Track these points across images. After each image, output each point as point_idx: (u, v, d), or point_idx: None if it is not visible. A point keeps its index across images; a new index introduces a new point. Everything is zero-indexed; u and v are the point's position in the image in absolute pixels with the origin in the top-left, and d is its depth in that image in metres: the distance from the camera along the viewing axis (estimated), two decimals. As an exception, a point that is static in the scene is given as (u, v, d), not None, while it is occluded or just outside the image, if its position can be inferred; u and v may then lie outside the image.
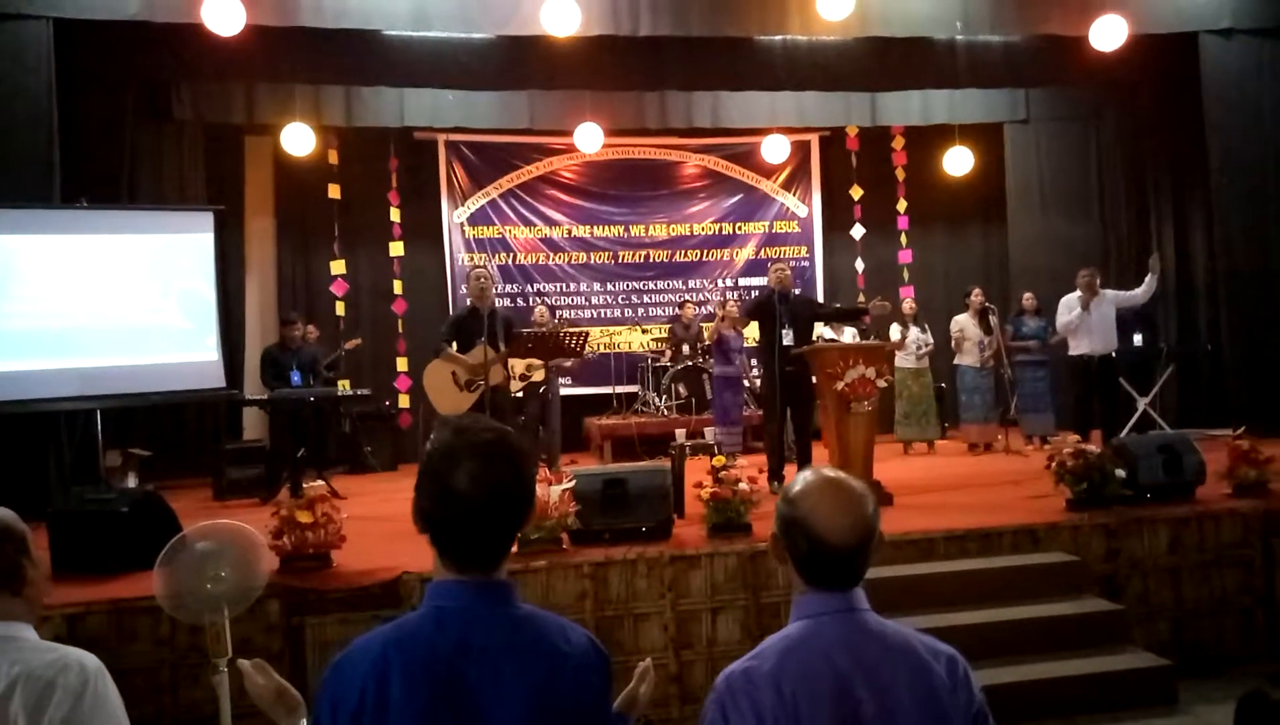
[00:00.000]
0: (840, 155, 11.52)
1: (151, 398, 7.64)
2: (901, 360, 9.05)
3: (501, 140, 10.75)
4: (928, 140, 10.87)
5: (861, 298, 10.89)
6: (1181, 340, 9.76)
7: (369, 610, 4.41)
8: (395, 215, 10.51)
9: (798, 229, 11.63)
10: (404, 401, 10.29)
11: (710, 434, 8.98)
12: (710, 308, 10.60)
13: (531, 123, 9.52)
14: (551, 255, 11.15)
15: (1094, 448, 5.58)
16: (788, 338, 6.54)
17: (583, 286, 11.21)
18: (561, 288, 11.15)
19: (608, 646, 1.55)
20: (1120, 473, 5.43)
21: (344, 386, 9.01)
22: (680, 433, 9.06)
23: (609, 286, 11.26)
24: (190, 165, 9.26)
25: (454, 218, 10.89)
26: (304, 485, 6.72)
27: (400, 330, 10.47)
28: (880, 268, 11.53)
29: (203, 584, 3.20)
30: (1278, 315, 8.55)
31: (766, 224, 11.57)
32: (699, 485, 5.16)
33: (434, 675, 1.39)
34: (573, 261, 11.20)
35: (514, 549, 1.53)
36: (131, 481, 7.72)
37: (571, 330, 6.77)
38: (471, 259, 10.70)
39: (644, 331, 11.11)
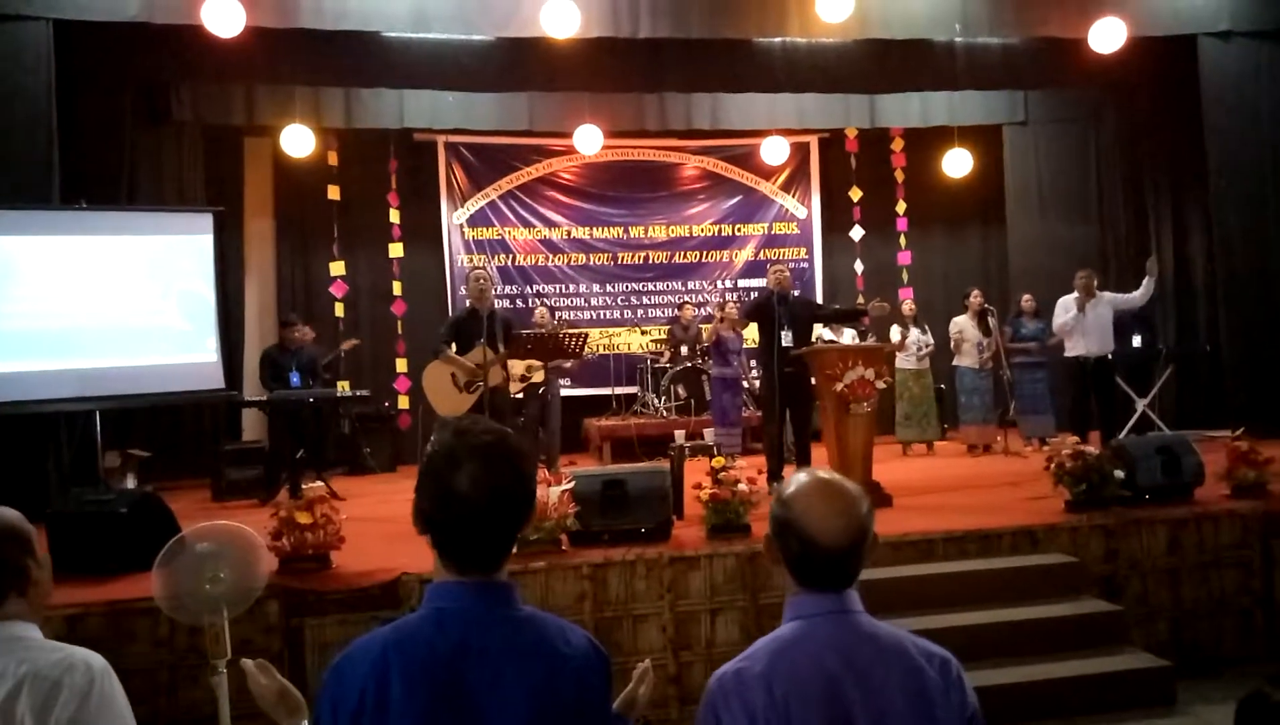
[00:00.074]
0: (839, 157, 11.53)
1: (150, 399, 7.64)
2: (902, 361, 9.07)
3: (501, 142, 10.75)
4: (927, 142, 10.89)
5: (860, 299, 10.90)
6: (1180, 341, 9.77)
7: (368, 611, 4.41)
8: (395, 216, 10.51)
9: (797, 230, 11.64)
10: (403, 403, 10.28)
11: (709, 435, 8.99)
12: (709, 309, 10.60)
13: (531, 124, 9.53)
14: (551, 256, 11.15)
15: (1093, 449, 5.58)
16: (787, 339, 6.54)
17: (582, 288, 11.22)
18: (561, 289, 11.15)
19: (607, 648, 1.55)
20: (1119, 474, 5.44)
21: (343, 388, 9.00)
22: (679, 434, 9.10)
23: (608, 288, 11.26)
24: (190, 166, 9.26)
25: (453, 219, 10.89)
26: (303, 486, 6.73)
27: (399, 331, 10.47)
28: (879, 269, 11.54)
29: (201, 585, 3.20)
30: (1276, 316, 8.57)
31: (766, 225, 11.58)
32: (698, 486, 5.16)
33: (434, 677, 1.39)
34: (572, 263, 11.21)
35: (514, 550, 1.53)
36: (130, 482, 7.71)
37: (570, 331, 6.77)
38: (471, 260, 10.70)
39: (643, 333, 11.11)
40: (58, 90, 7.09)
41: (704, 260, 11.47)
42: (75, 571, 4.63)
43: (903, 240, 11.54)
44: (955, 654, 1.64)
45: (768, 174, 11.43)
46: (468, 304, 6.92)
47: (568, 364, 8.23)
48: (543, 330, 7.77)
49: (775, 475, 6.44)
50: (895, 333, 9.26)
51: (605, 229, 11.27)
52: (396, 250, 10.51)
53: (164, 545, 3.24)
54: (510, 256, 11.03)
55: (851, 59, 8.71)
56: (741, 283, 11.39)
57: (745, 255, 11.50)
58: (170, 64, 8.02)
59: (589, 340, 7.57)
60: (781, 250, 11.51)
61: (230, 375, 8.06)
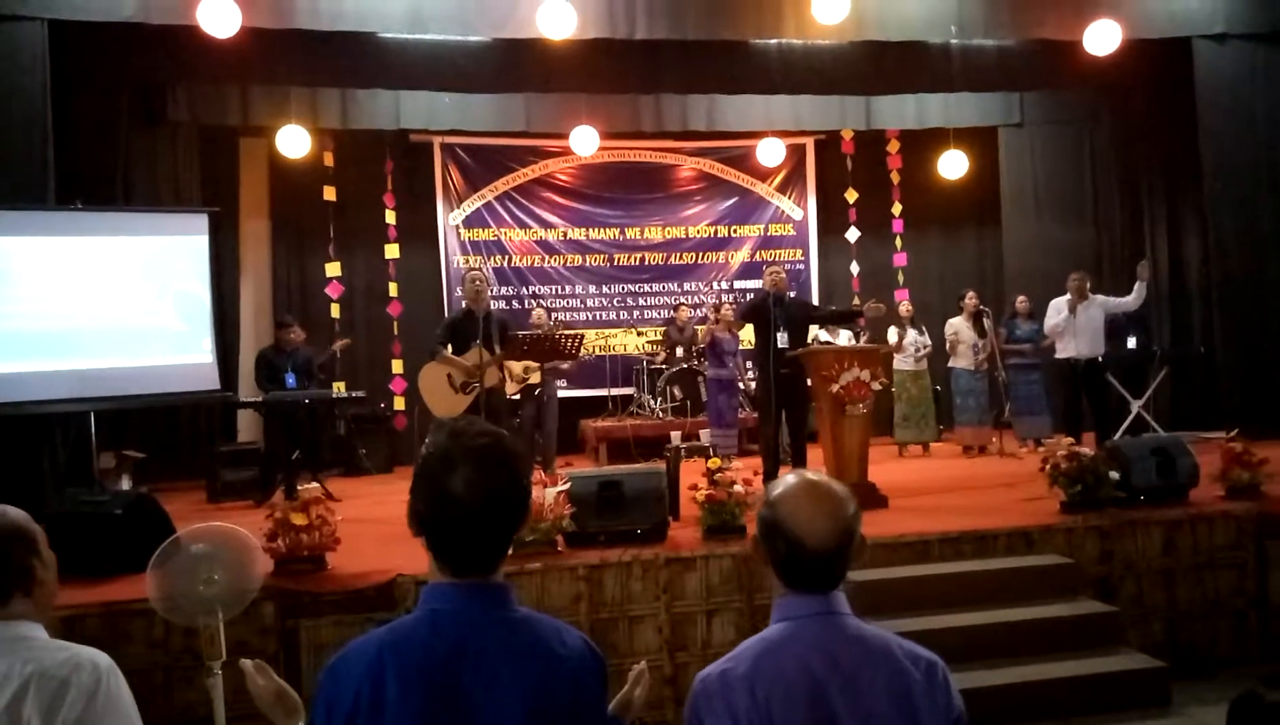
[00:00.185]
0: (835, 158, 11.54)
1: (146, 400, 7.62)
2: (900, 362, 9.08)
3: (497, 143, 10.75)
4: (922, 144, 10.90)
5: (856, 300, 10.91)
6: (1175, 343, 9.79)
7: (364, 613, 4.40)
8: (391, 217, 10.50)
9: (793, 232, 11.65)
10: (399, 404, 10.27)
11: (705, 436, 8.99)
12: (705, 311, 10.61)
13: (527, 125, 9.52)
14: (547, 257, 11.15)
15: (1088, 450, 5.60)
16: (782, 340, 6.54)
17: (578, 289, 11.22)
18: (557, 290, 11.15)
19: (603, 649, 1.55)
20: (1114, 475, 5.46)
21: (339, 389, 9.00)
22: (675, 435, 9.10)
23: (604, 289, 11.26)
24: (185, 167, 9.24)
25: (449, 220, 10.88)
26: (299, 487, 6.71)
27: (395, 332, 10.45)
28: (875, 271, 11.55)
29: (196, 587, 3.19)
30: (1271, 318, 8.59)
31: (761, 227, 11.58)
32: (694, 487, 5.16)
33: (429, 678, 1.39)
34: (568, 264, 11.20)
35: (509, 551, 1.53)
36: (125, 484, 7.70)
37: (567, 333, 6.76)
38: (467, 261, 10.69)
39: (639, 334, 11.11)
40: (53, 90, 7.07)
41: (700, 261, 11.48)
42: (70, 573, 4.58)
43: (898, 242, 11.55)
44: (951, 655, 1.64)
45: (764, 175, 11.44)
46: (464, 305, 6.92)
47: (565, 365, 8.23)
48: (539, 331, 7.76)
49: (771, 476, 6.44)
50: (893, 334, 9.27)
51: (601, 230, 11.27)
52: (392, 251, 10.50)
53: (159, 547, 3.23)
54: (506, 257, 11.03)
55: (847, 61, 8.71)
56: (737, 284, 11.39)
57: (741, 257, 11.50)
58: (166, 64, 8.00)
59: (585, 341, 7.57)
60: (777, 251, 11.52)
61: (226, 376, 8.04)
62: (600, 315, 11.21)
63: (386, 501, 7.00)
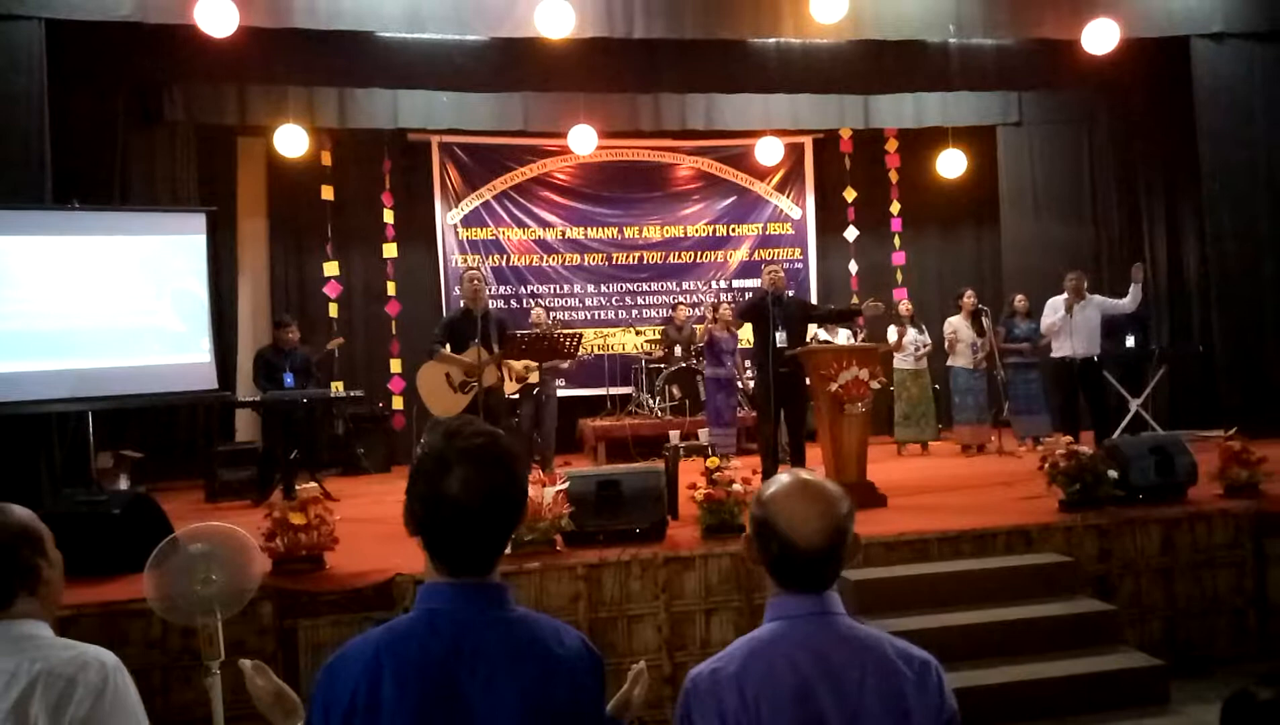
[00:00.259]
0: (834, 157, 11.54)
1: (144, 399, 7.61)
2: (900, 361, 9.08)
3: (495, 142, 10.74)
4: (921, 143, 10.91)
5: (855, 299, 10.91)
6: (1174, 342, 9.80)
7: (362, 612, 4.39)
8: (389, 217, 10.49)
9: (791, 231, 11.65)
10: (397, 403, 10.27)
11: (704, 435, 8.99)
12: (703, 310, 10.60)
13: (525, 125, 9.52)
14: (545, 257, 11.15)
15: (1086, 449, 5.60)
16: (781, 339, 6.54)
17: (576, 288, 11.21)
18: (555, 289, 11.14)
19: (601, 648, 1.55)
20: (1113, 474, 5.45)
21: (337, 388, 8.99)
22: (674, 434, 9.10)
23: (603, 288, 11.26)
24: (182, 166, 9.23)
25: (447, 219, 10.87)
26: (297, 487, 6.70)
27: (394, 332, 10.45)
28: (874, 270, 11.56)
29: (194, 586, 3.18)
30: (1269, 317, 8.60)
31: (760, 226, 11.58)
32: (693, 487, 5.16)
33: (426, 678, 1.38)
34: (566, 263, 11.20)
35: (507, 550, 1.53)
36: (123, 483, 7.69)
37: (565, 332, 6.76)
38: (465, 260, 10.69)
39: (638, 333, 11.11)
40: (50, 90, 7.06)
41: (698, 261, 11.48)
42: (68, 573, 4.50)
43: (897, 241, 11.56)
44: (950, 654, 1.63)
45: (762, 174, 11.44)
46: (462, 305, 6.91)
47: (564, 365, 8.22)
48: (537, 331, 7.76)
49: (770, 475, 6.43)
50: (893, 333, 9.27)
51: (600, 229, 11.27)
52: (390, 250, 10.49)
53: (157, 546, 3.22)
54: (504, 257, 11.02)
55: (846, 60, 8.71)
56: (736, 283, 11.39)
57: (740, 256, 11.50)
58: (163, 64, 8.00)
59: (583, 341, 7.56)
60: (776, 251, 11.52)
61: (224, 376, 8.03)
62: (598, 314, 11.21)
63: (385, 501, 7.00)
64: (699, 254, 11.48)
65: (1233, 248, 8.78)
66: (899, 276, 11.47)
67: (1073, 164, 10.77)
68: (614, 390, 10.45)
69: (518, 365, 6.95)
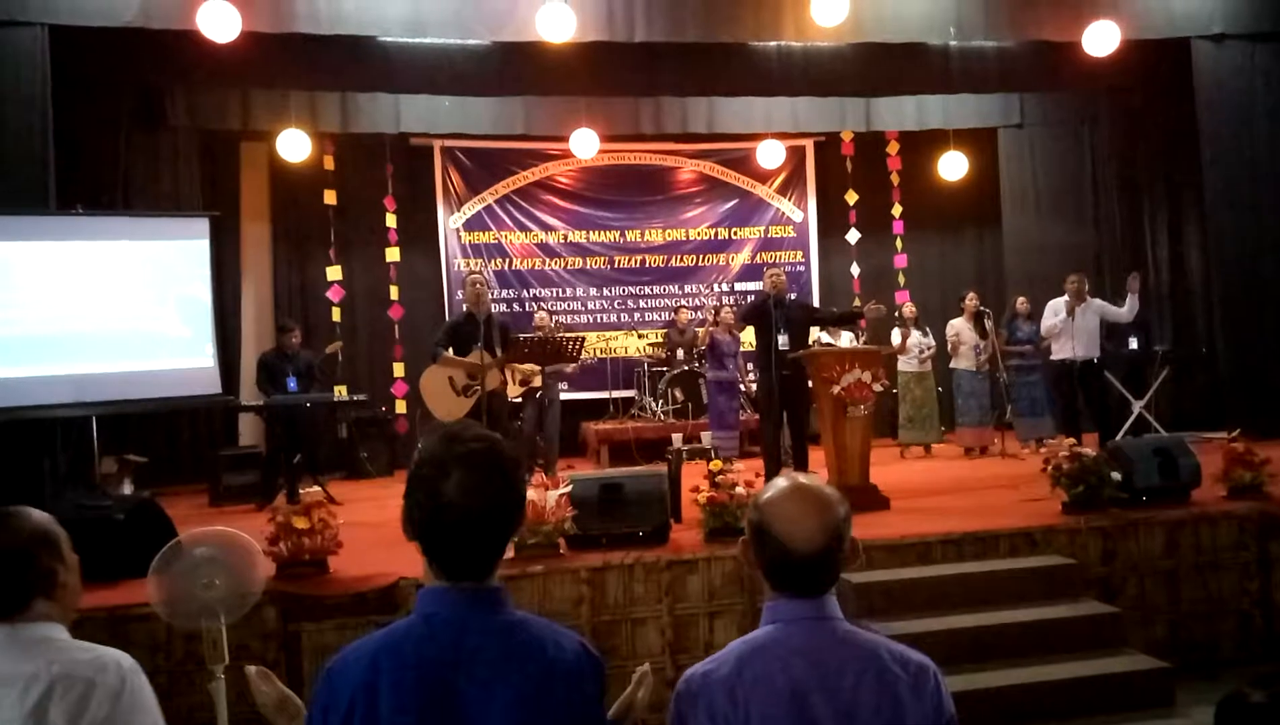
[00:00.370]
0: (835, 160, 11.54)
1: (147, 404, 7.63)
2: (904, 364, 9.08)
3: (497, 146, 10.75)
4: (922, 145, 10.90)
5: (857, 302, 10.90)
6: (1176, 343, 9.79)
7: (365, 616, 4.40)
8: (391, 221, 10.50)
9: (793, 234, 11.65)
10: (400, 407, 10.27)
11: (707, 438, 8.98)
12: (705, 313, 10.60)
13: (527, 129, 9.54)
14: (547, 260, 11.15)
15: (1090, 451, 5.59)
16: (783, 342, 6.54)
17: (579, 291, 11.22)
18: (557, 293, 11.15)
19: (604, 651, 1.55)
20: (1116, 476, 5.45)
21: (340, 392, 8.99)
22: (677, 437, 9.07)
23: (605, 291, 11.27)
24: (185, 171, 9.25)
25: (450, 223, 10.89)
26: (300, 491, 6.71)
27: (397, 336, 10.45)
28: (875, 272, 11.55)
29: (198, 590, 3.19)
30: (1271, 318, 8.59)
31: (762, 229, 11.59)
32: (696, 489, 5.16)
33: (424, 682, 1.38)
34: (568, 267, 11.21)
35: (510, 554, 1.53)
36: (127, 488, 7.69)
37: (568, 336, 6.76)
38: (468, 264, 10.69)
39: (640, 336, 11.12)
40: (54, 96, 7.08)
41: (700, 264, 11.48)
42: None
43: (899, 243, 11.55)
44: (954, 656, 1.64)
45: (764, 177, 11.44)
46: (464, 309, 6.92)
47: (568, 368, 8.23)
48: (540, 334, 7.76)
49: (772, 478, 6.44)
50: (896, 336, 9.27)
51: (602, 233, 11.27)
52: (393, 255, 10.50)
53: (161, 551, 3.23)
54: (507, 261, 11.03)
55: (846, 62, 8.72)
56: (738, 286, 11.39)
57: (741, 258, 11.50)
58: (166, 69, 8.02)
59: (586, 344, 7.57)
60: (778, 253, 11.51)
61: (227, 380, 8.05)
62: (601, 318, 11.22)
63: (388, 505, 6.99)
64: (701, 257, 11.48)
65: (1234, 248, 8.78)
66: (901, 279, 11.46)
67: (1074, 166, 10.77)
68: (616, 393, 10.46)
69: (524, 368, 6.96)
